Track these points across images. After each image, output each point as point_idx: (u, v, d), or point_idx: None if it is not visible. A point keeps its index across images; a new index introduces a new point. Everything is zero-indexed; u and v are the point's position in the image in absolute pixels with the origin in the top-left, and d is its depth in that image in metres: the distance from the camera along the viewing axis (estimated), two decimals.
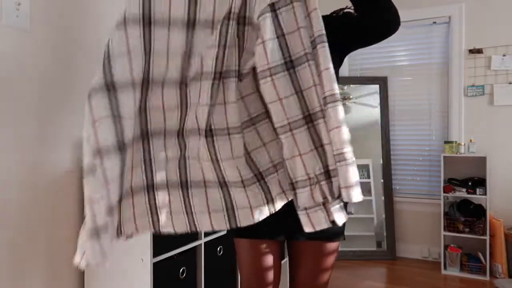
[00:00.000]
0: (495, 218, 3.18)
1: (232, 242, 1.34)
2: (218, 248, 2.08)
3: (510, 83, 3.32)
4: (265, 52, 0.87)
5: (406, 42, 3.76)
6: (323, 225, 0.91)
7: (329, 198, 0.91)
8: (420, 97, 3.69)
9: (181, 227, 1.00)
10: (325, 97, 0.88)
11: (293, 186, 0.94)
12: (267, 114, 0.98)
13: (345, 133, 0.88)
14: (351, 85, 3.78)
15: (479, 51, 3.39)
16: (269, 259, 1.24)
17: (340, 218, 0.92)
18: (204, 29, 0.89)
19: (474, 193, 3.18)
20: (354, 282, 3.07)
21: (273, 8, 0.87)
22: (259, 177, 0.98)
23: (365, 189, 3.71)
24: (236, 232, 1.27)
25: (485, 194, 3.13)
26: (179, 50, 0.90)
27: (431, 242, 3.58)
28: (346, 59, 1.33)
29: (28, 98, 1.56)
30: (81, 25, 1.78)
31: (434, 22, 3.63)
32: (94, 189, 0.83)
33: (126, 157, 0.87)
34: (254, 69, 0.94)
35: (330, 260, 1.23)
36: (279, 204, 1.00)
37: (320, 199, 0.92)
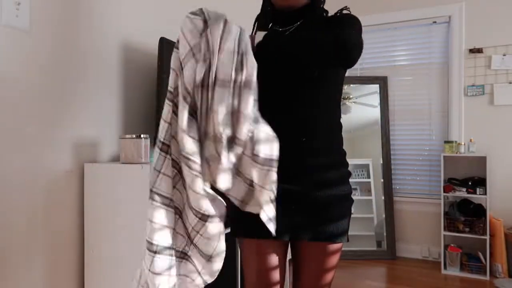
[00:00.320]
0: (495, 218, 3.18)
1: (232, 241, 1.34)
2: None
3: (510, 82, 3.32)
4: None
5: (406, 42, 3.76)
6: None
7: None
8: (420, 96, 3.69)
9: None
10: None
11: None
12: None
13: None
14: (351, 85, 3.78)
15: (479, 50, 3.39)
16: (275, 259, 1.23)
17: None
18: None
19: (474, 192, 3.18)
20: (354, 281, 3.07)
21: None
22: None
23: (365, 188, 3.71)
24: (240, 232, 1.26)
25: (485, 193, 3.13)
26: None
27: (431, 241, 3.58)
28: None
29: (28, 98, 1.56)
30: (81, 25, 1.78)
31: (434, 22, 3.63)
32: None
33: None
34: None
35: (334, 260, 1.24)
36: None
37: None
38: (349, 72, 4.25)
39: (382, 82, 3.76)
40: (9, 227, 1.49)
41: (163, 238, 1.03)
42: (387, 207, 3.68)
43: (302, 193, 1.17)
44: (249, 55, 0.99)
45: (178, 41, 1.07)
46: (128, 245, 1.64)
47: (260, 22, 1.32)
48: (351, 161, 3.93)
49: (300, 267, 1.25)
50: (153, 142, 1.92)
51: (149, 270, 1.05)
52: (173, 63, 1.08)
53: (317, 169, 1.18)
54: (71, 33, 1.73)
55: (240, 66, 0.97)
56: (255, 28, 1.32)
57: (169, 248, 1.05)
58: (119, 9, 1.98)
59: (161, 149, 1.08)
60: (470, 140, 3.30)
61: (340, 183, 1.23)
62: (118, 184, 1.67)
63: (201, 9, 1.06)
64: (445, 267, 3.26)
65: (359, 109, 3.77)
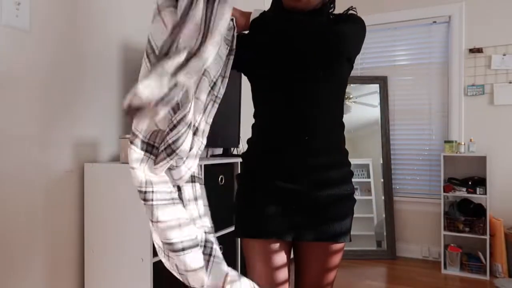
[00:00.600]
0: (495, 218, 3.18)
1: (232, 241, 1.33)
2: (218, 248, 2.08)
3: (510, 82, 3.32)
4: None
5: (406, 42, 3.75)
6: None
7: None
8: (420, 96, 3.69)
9: None
10: None
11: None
12: None
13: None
14: (351, 85, 3.78)
15: (479, 50, 3.39)
16: (281, 259, 1.22)
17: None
18: None
19: (474, 192, 3.18)
20: (354, 281, 3.07)
21: None
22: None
23: (365, 188, 3.72)
24: (244, 233, 1.24)
25: (485, 193, 3.13)
26: None
27: (431, 241, 3.58)
28: None
29: (28, 98, 1.56)
30: (81, 25, 1.78)
31: (434, 22, 3.63)
32: None
33: None
34: None
35: (336, 260, 1.24)
36: None
37: None
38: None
39: (382, 82, 3.76)
40: (9, 227, 1.49)
41: (186, 232, 0.94)
42: (387, 207, 3.68)
43: (304, 193, 1.17)
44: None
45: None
46: (128, 245, 1.64)
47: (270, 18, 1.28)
48: (351, 161, 3.92)
49: (302, 267, 1.25)
50: None
51: (186, 271, 0.94)
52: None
53: (319, 169, 1.18)
54: (71, 33, 1.73)
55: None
56: None
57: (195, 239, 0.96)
58: (119, 9, 1.98)
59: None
60: (470, 140, 3.30)
61: (342, 182, 1.23)
62: (118, 184, 1.67)
63: None
64: (445, 267, 3.26)
65: (359, 108, 3.77)
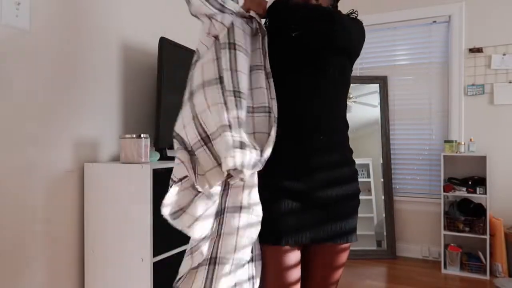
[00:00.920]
0: (495, 217, 3.18)
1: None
2: None
3: (510, 82, 3.31)
4: None
5: (406, 41, 3.75)
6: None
7: None
8: (420, 96, 3.69)
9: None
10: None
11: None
12: None
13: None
14: (351, 84, 3.77)
15: (479, 50, 3.39)
16: (298, 267, 1.19)
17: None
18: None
19: (474, 192, 3.18)
20: (354, 281, 3.07)
21: None
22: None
23: (365, 188, 3.72)
24: (262, 239, 1.16)
25: (485, 193, 3.13)
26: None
27: (431, 241, 3.58)
28: None
29: (28, 97, 1.56)
30: (81, 25, 1.78)
31: (434, 21, 3.63)
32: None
33: None
34: None
35: (344, 258, 1.24)
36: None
37: None
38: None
39: (382, 81, 3.76)
40: (9, 227, 1.49)
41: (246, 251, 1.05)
42: (387, 206, 3.68)
43: (318, 192, 1.15)
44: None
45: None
46: (128, 245, 1.64)
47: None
48: None
49: (310, 267, 1.24)
50: (153, 142, 1.93)
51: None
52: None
53: (336, 166, 1.19)
54: (71, 33, 1.73)
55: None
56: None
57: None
58: (119, 9, 1.98)
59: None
60: (470, 140, 3.30)
61: (353, 180, 1.24)
62: (118, 184, 1.67)
63: None
64: (445, 267, 3.26)
65: (359, 108, 3.77)
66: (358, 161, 3.85)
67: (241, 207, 1.06)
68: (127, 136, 1.70)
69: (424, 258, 3.61)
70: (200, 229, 1.03)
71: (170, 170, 1.75)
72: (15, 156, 1.51)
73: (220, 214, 1.09)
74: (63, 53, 1.70)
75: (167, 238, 1.72)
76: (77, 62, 1.76)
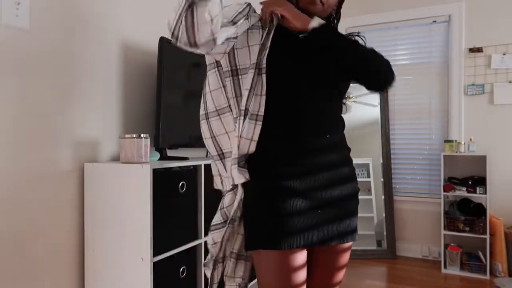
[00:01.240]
0: (495, 217, 3.18)
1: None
2: None
3: (510, 82, 3.31)
4: None
5: (406, 41, 3.75)
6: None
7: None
8: (420, 96, 3.69)
9: None
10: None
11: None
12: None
13: None
14: (351, 84, 3.77)
15: (479, 50, 3.39)
16: (304, 270, 1.16)
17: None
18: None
19: (474, 192, 3.18)
20: (354, 281, 3.07)
21: None
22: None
23: (365, 188, 3.72)
24: (263, 244, 1.12)
25: (485, 193, 3.13)
26: None
27: (431, 241, 3.58)
28: None
29: (27, 97, 1.56)
30: (81, 25, 1.78)
31: (434, 21, 3.63)
32: None
33: None
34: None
35: (346, 258, 1.24)
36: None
37: None
38: None
39: None
40: (9, 226, 1.49)
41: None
42: (387, 206, 3.68)
43: (324, 193, 1.15)
44: None
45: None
46: (128, 245, 1.64)
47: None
48: None
49: (314, 268, 1.23)
50: (153, 142, 1.93)
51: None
52: None
53: (336, 166, 1.19)
54: (71, 33, 1.73)
55: None
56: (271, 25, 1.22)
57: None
58: (119, 9, 1.98)
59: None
60: (470, 139, 3.30)
61: (354, 179, 1.24)
62: (118, 183, 1.67)
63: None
64: (445, 266, 3.26)
65: (359, 108, 3.77)
66: (358, 161, 3.87)
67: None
68: (127, 136, 1.70)
69: (424, 258, 3.61)
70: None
71: (170, 170, 1.75)
72: (15, 156, 1.51)
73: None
74: (63, 53, 1.70)
75: (167, 238, 1.72)
76: (77, 62, 1.76)
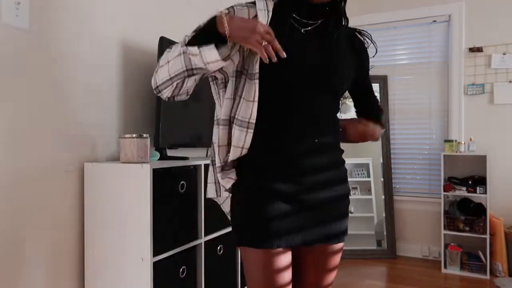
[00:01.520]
0: (495, 217, 3.18)
1: (232, 241, 1.29)
2: (218, 247, 2.08)
3: (510, 81, 3.31)
4: None
5: (406, 41, 3.75)
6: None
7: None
8: (420, 95, 3.69)
9: None
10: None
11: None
12: None
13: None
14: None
15: (479, 49, 3.39)
16: (288, 271, 1.16)
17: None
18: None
19: (474, 191, 3.18)
20: (354, 281, 3.07)
21: None
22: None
23: (365, 188, 3.71)
24: (247, 242, 1.13)
25: (485, 192, 3.13)
26: None
27: (431, 241, 3.58)
28: None
29: (27, 97, 1.56)
30: (81, 24, 1.78)
31: (434, 21, 3.63)
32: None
33: None
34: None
35: (337, 260, 1.23)
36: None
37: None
38: None
39: (382, 81, 3.76)
40: (9, 226, 1.49)
41: None
42: (387, 206, 3.68)
43: (309, 194, 1.14)
44: None
45: None
46: (128, 245, 1.64)
47: (281, 9, 1.17)
48: (351, 160, 3.94)
49: (304, 270, 1.23)
50: (153, 142, 1.92)
51: None
52: None
53: (324, 169, 1.17)
54: (70, 32, 1.73)
55: None
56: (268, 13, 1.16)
57: None
58: (119, 9, 1.97)
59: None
60: (470, 139, 3.30)
61: (344, 181, 1.23)
62: (118, 183, 1.67)
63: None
64: (445, 266, 3.26)
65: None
66: (358, 160, 3.87)
67: None
68: (127, 136, 1.70)
69: (424, 258, 3.61)
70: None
71: (170, 170, 1.75)
72: (15, 156, 1.51)
73: None
74: (63, 53, 1.70)
75: (167, 238, 1.72)
76: (76, 61, 1.76)
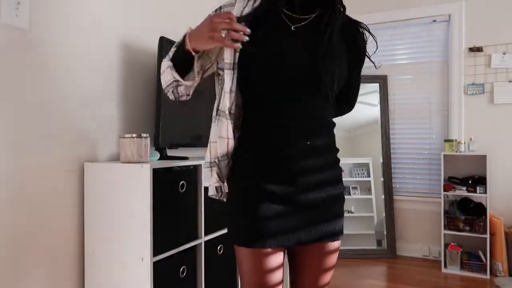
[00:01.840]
0: (495, 217, 3.18)
1: (226, 239, 1.29)
2: (218, 247, 2.08)
3: (510, 81, 3.31)
4: None
5: (406, 41, 3.75)
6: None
7: None
8: (420, 95, 3.69)
9: None
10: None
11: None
12: None
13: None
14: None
15: (479, 49, 3.39)
16: (279, 271, 1.17)
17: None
18: None
19: (474, 191, 3.18)
20: (354, 280, 3.07)
21: None
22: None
23: (365, 187, 3.71)
24: (240, 241, 1.15)
25: (485, 192, 3.13)
26: None
27: (432, 240, 3.58)
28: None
29: (27, 97, 1.56)
30: (80, 24, 1.78)
31: (434, 21, 3.63)
32: None
33: None
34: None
35: (334, 260, 1.22)
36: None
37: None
38: None
39: (382, 81, 3.76)
40: (8, 227, 1.49)
41: None
42: (387, 206, 3.68)
43: (303, 195, 1.14)
44: None
45: None
46: (128, 245, 1.64)
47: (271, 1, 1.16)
48: (351, 160, 3.94)
49: (300, 270, 1.22)
50: (153, 142, 1.92)
51: None
52: None
53: (318, 169, 1.17)
54: (70, 32, 1.73)
55: None
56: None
57: None
58: (119, 9, 1.97)
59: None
60: (470, 139, 3.29)
61: (339, 181, 1.22)
62: (118, 183, 1.67)
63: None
64: (445, 266, 3.26)
65: (359, 108, 3.77)
66: (358, 160, 3.87)
67: None
68: (127, 135, 1.70)
69: (424, 257, 3.61)
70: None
71: (170, 170, 1.75)
72: (15, 156, 1.51)
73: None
74: (62, 53, 1.70)
75: (167, 237, 1.72)
76: (77, 62, 1.76)
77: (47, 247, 1.63)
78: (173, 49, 1.16)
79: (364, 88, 3.79)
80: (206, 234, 1.96)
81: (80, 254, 1.76)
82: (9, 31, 1.49)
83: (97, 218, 1.72)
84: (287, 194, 1.13)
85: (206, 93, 1.81)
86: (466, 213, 3.22)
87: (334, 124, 1.24)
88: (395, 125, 3.77)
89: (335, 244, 1.21)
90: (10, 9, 1.48)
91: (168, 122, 1.95)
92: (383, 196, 3.70)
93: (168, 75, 1.15)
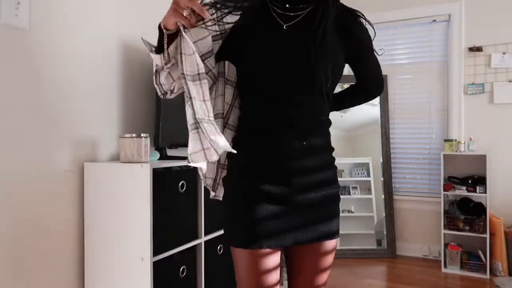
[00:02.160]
0: (495, 216, 3.18)
1: (223, 240, 1.29)
2: (218, 247, 2.08)
3: (510, 81, 3.31)
4: None
5: (406, 41, 3.75)
6: None
7: None
8: (420, 95, 3.69)
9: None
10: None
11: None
12: None
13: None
14: (351, 83, 3.77)
15: (479, 49, 3.39)
16: (276, 272, 1.17)
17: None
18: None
19: (474, 191, 3.18)
20: (354, 280, 3.07)
21: None
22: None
23: (365, 187, 3.71)
24: (237, 242, 1.15)
25: (485, 192, 3.13)
26: None
27: (431, 240, 3.58)
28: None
29: (27, 97, 1.56)
30: (80, 24, 1.78)
31: (434, 20, 3.63)
32: None
33: None
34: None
35: (330, 260, 1.21)
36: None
37: None
38: (348, 71, 4.23)
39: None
40: (8, 226, 1.49)
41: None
42: (387, 205, 3.68)
43: (299, 195, 1.14)
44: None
45: None
46: (128, 245, 1.64)
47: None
48: (351, 159, 3.94)
49: (295, 268, 1.22)
50: (153, 141, 1.92)
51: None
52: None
53: (314, 170, 1.17)
54: (70, 32, 1.73)
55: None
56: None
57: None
58: (119, 8, 1.97)
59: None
60: (470, 139, 3.30)
61: (334, 181, 1.22)
62: (118, 183, 1.67)
63: None
64: (445, 266, 3.26)
65: (359, 107, 3.76)
66: (358, 160, 3.87)
67: None
68: (127, 135, 1.70)
69: (424, 257, 3.61)
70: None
71: (170, 169, 1.75)
72: (15, 156, 1.51)
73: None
74: (62, 53, 1.70)
75: (167, 237, 1.72)
76: (76, 61, 1.76)
77: (47, 247, 1.63)
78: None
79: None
80: (206, 234, 1.96)
81: (80, 254, 1.76)
82: (9, 31, 1.49)
83: (97, 218, 1.72)
84: (284, 195, 1.12)
85: None
86: (466, 212, 3.22)
87: (330, 123, 1.23)
88: (395, 125, 3.77)
89: (332, 243, 1.20)
90: (10, 9, 1.48)
91: (168, 122, 1.95)
92: (383, 196, 3.70)
93: (153, 66, 1.19)
